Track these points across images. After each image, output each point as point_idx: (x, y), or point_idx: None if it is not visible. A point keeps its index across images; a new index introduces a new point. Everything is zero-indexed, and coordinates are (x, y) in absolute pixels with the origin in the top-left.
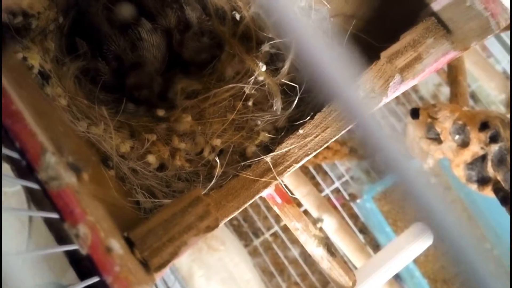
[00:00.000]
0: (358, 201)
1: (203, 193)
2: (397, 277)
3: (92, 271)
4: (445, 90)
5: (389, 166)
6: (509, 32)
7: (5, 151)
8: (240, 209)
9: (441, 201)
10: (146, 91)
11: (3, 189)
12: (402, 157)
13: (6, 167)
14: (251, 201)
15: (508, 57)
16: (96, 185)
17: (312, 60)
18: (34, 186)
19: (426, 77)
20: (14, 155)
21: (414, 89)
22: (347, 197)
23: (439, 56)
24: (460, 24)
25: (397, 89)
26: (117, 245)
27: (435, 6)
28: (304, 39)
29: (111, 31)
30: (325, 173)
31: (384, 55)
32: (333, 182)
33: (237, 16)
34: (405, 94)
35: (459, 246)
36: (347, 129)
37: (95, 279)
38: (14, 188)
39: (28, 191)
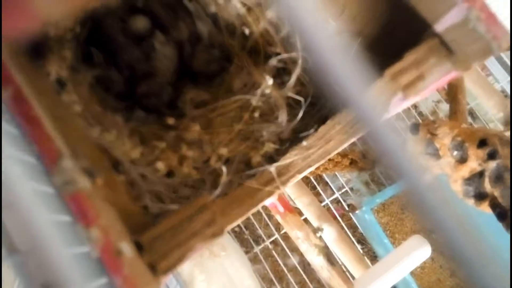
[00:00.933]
0: (357, 212)
1: (209, 199)
2: None
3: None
4: (444, 107)
5: (400, 175)
6: (508, 52)
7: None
8: (244, 217)
9: (451, 212)
10: (154, 99)
11: None
12: (414, 166)
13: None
14: (254, 209)
15: (507, 77)
16: (108, 189)
17: (327, 66)
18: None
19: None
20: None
21: (414, 105)
22: (346, 208)
23: (441, 75)
24: (462, 45)
25: (399, 105)
26: (127, 249)
27: (439, 28)
28: (321, 45)
29: (126, 41)
30: (326, 183)
31: (388, 72)
32: (333, 193)
33: (247, 31)
34: (404, 110)
35: (468, 256)
36: (350, 142)
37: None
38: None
39: None
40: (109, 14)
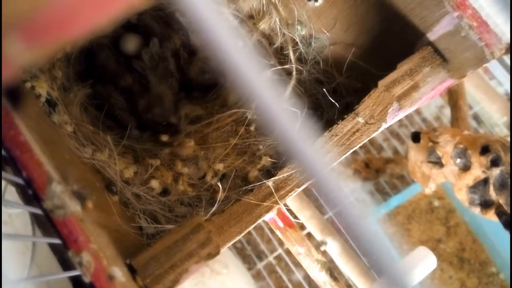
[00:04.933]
0: None
1: (205, 218)
2: None
3: None
4: (448, 112)
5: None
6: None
7: (12, 177)
8: (242, 234)
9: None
10: (158, 109)
11: (7, 211)
12: (359, 215)
13: (11, 189)
14: (253, 226)
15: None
16: (100, 212)
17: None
18: (39, 212)
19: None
20: (21, 182)
21: (417, 111)
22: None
23: (436, 84)
24: (456, 53)
25: (396, 116)
26: (119, 273)
27: (431, 36)
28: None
29: (118, 69)
30: None
31: (381, 83)
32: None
33: (239, 44)
34: (408, 116)
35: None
36: (348, 154)
37: None
38: (19, 210)
39: (33, 213)
40: (98, 40)
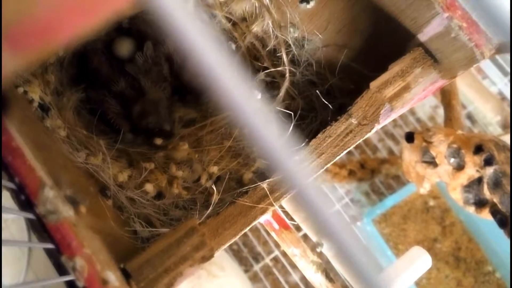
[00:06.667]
0: (358, 223)
1: (199, 221)
2: None
3: None
4: (442, 112)
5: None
6: (504, 54)
7: (6, 183)
8: (237, 236)
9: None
10: (153, 117)
11: (3, 216)
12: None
13: (6, 194)
14: (248, 228)
15: (504, 79)
16: (93, 216)
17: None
18: (33, 217)
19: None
20: (15, 187)
21: (411, 111)
22: (348, 219)
23: (427, 85)
24: (446, 54)
25: (388, 116)
26: (113, 277)
27: (422, 37)
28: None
29: (111, 72)
30: (325, 195)
31: (373, 84)
32: (333, 205)
33: (233, 46)
34: (402, 116)
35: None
36: (342, 155)
37: None
38: (14, 215)
39: (28, 219)
40: (91, 44)
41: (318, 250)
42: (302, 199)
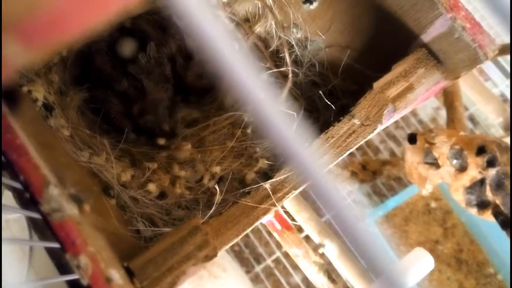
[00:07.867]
0: None
1: (202, 221)
2: None
3: None
4: (444, 114)
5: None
6: (506, 56)
7: (9, 181)
8: (240, 236)
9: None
10: (150, 117)
11: (4, 216)
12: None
13: (8, 194)
14: (250, 228)
15: (506, 80)
16: (97, 215)
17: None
18: (37, 216)
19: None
20: (18, 186)
21: (413, 113)
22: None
23: (431, 85)
24: (450, 54)
25: (391, 117)
26: (117, 275)
27: (425, 38)
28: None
29: (114, 73)
30: None
31: (376, 85)
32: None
33: (236, 47)
34: (404, 118)
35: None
36: (344, 155)
37: None
38: (16, 215)
39: (29, 218)
40: (94, 44)
41: (320, 251)
42: (317, 190)
